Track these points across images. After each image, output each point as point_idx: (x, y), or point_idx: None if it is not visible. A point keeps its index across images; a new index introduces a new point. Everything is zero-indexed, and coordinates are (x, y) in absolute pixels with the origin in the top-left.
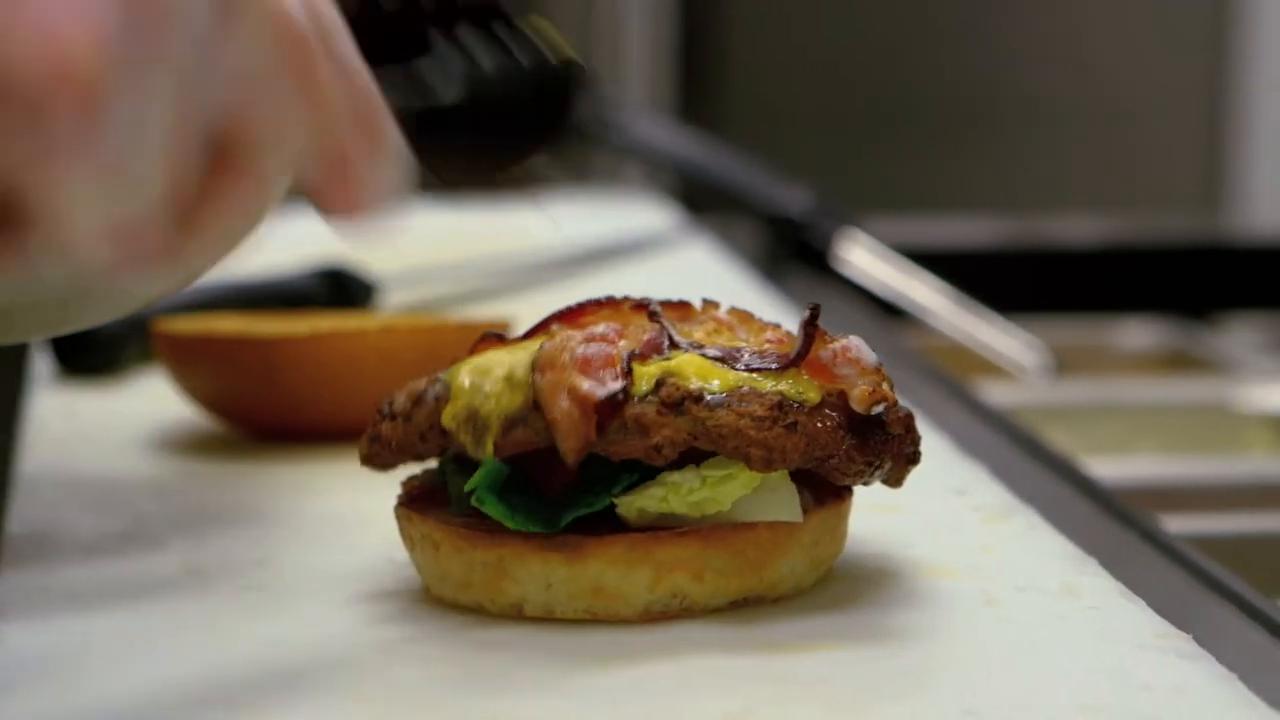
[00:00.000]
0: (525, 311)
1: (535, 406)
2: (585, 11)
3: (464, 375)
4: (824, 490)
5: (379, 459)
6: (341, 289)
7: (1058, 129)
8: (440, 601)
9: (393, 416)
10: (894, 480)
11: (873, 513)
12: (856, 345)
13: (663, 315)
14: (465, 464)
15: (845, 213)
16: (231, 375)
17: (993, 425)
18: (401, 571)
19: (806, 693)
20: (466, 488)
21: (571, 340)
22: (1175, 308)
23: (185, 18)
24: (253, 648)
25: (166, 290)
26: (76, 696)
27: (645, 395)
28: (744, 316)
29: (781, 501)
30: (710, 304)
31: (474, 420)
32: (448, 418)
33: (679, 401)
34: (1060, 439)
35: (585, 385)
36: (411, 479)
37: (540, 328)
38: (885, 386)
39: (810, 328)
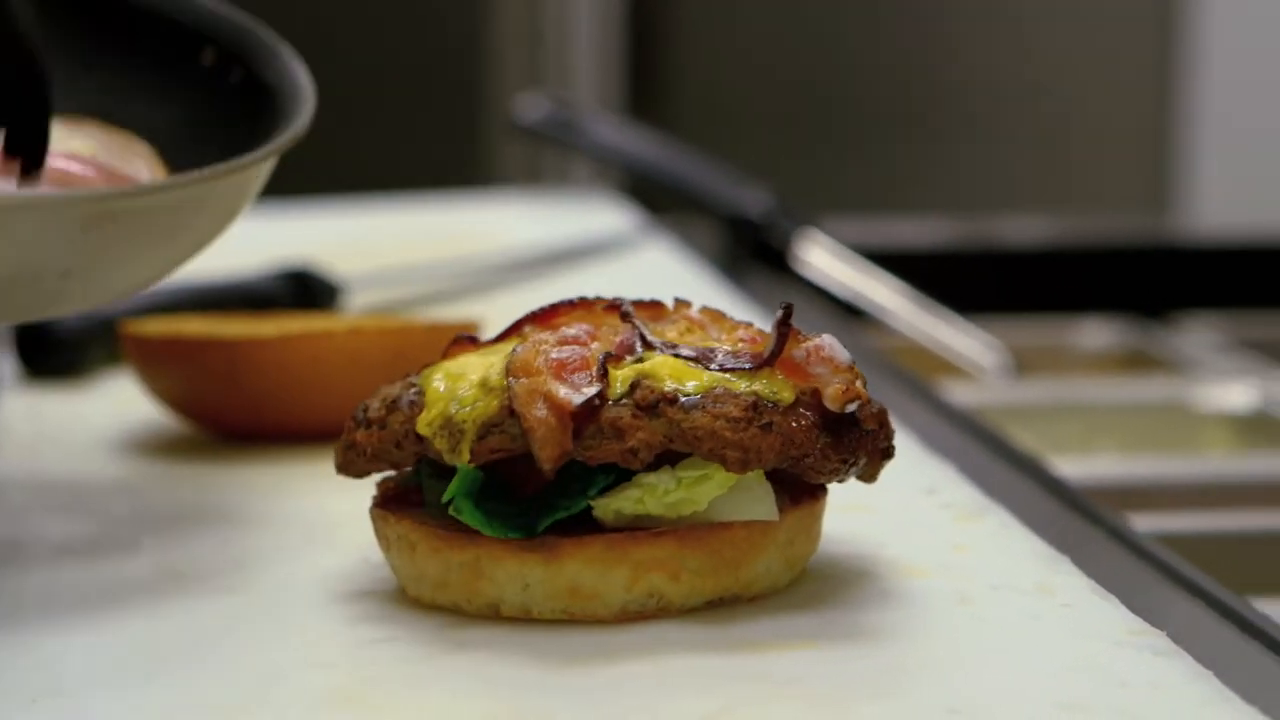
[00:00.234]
0: (489, 312)
1: (511, 412)
2: (532, 12)
3: (438, 380)
4: (798, 489)
5: (354, 467)
6: (306, 290)
7: (1004, 129)
8: (417, 602)
9: (367, 424)
10: (868, 475)
11: (844, 512)
12: (829, 344)
13: (635, 315)
14: (441, 466)
15: (804, 213)
16: (200, 376)
17: (958, 425)
18: (376, 572)
19: (784, 692)
20: (444, 498)
21: (544, 343)
22: (1127, 308)
23: None
24: (232, 650)
25: None
26: (57, 700)
27: (620, 398)
28: (716, 315)
29: (757, 501)
30: (682, 303)
31: (449, 427)
32: (423, 425)
33: (654, 404)
34: (1021, 439)
35: (561, 392)
36: (386, 480)
37: (513, 330)
38: (859, 384)
39: (783, 327)
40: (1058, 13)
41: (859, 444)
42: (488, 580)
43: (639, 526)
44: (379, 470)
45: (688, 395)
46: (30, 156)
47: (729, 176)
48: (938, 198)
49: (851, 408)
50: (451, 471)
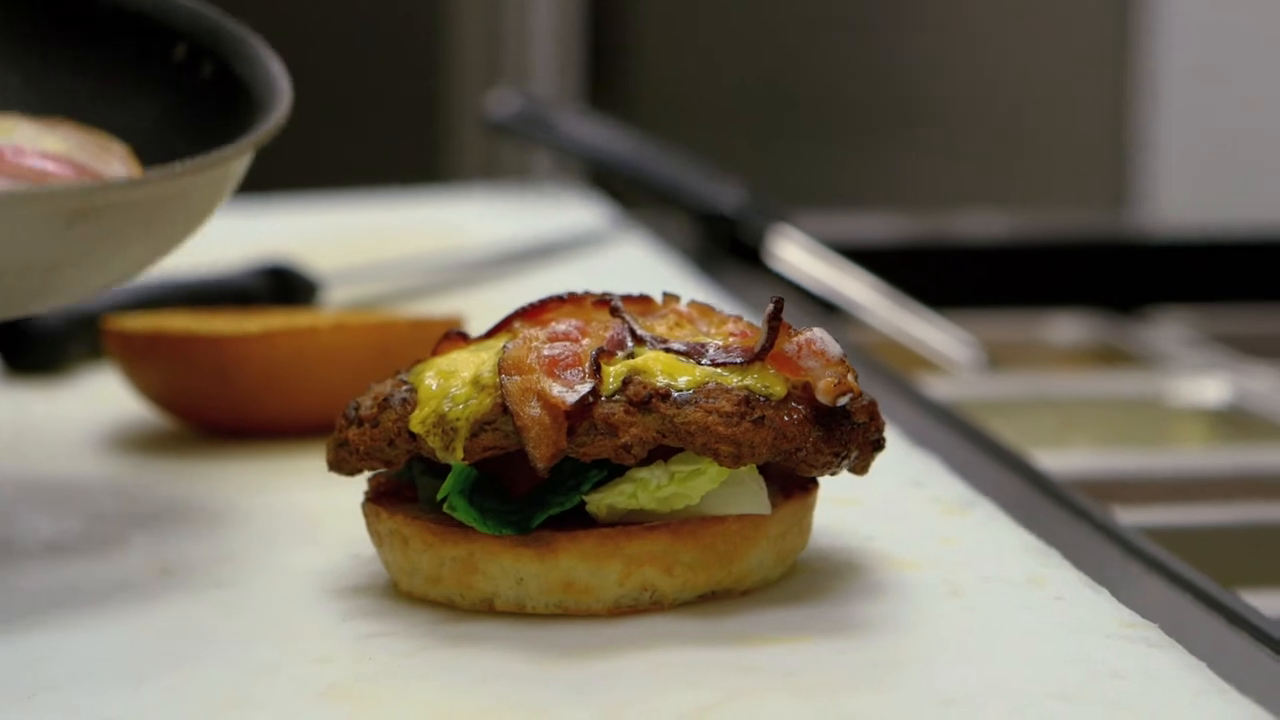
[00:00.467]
0: (470, 307)
1: (504, 410)
2: (491, 7)
3: (430, 378)
4: (790, 483)
5: (347, 465)
6: (285, 286)
7: (967, 126)
8: (410, 596)
9: (359, 422)
10: (860, 468)
11: (834, 505)
12: (820, 338)
13: (625, 310)
14: (433, 462)
15: (777, 209)
16: (184, 372)
17: (940, 419)
18: (368, 567)
19: (777, 684)
20: (439, 496)
21: (535, 340)
22: (1095, 302)
23: None
24: (226, 645)
25: None
26: (54, 695)
27: (612, 394)
28: (704, 310)
29: (749, 495)
30: (671, 297)
31: (442, 425)
32: (415, 423)
33: (646, 400)
34: (996, 433)
35: (555, 390)
36: (378, 474)
37: (502, 325)
38: (850, 378)
39: (774, 321)
40: (1020, 10)
41: (851, 437)
42: (481, 575)
43: (632, 521)
44: (371, 468)
45: (680, 390)
46: None
47: (702, 172)
48: (899, 194)
49: (843, 401)
50: (443, 467)
